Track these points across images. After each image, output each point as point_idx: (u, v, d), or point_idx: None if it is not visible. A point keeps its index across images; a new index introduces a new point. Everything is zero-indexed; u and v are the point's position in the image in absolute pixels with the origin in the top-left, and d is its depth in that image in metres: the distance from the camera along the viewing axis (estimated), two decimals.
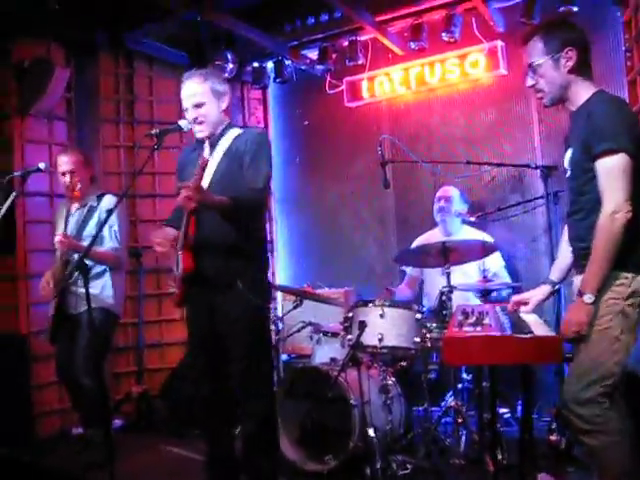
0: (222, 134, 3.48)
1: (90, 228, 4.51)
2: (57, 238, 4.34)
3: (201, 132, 3.46)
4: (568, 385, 2.71)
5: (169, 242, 3.33)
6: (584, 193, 2.77)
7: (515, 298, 3.16)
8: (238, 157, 3.38)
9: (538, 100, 3.03)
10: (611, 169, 2.61)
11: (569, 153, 2.89)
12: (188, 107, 3.42)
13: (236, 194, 3.24)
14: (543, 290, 3.10)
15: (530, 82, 2.91)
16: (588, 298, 2.63)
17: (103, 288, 4.59)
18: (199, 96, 3.40)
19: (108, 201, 4.59)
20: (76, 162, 4.65)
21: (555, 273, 3.11)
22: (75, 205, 4.70)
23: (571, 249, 2.92)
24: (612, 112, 2.69)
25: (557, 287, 3.10)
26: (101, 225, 3.95)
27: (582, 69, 2.82)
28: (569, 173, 2.90)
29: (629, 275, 2.66)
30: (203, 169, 3.23)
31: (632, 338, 2.69)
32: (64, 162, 4.65)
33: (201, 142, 3.52)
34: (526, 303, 3.09)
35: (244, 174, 3.34)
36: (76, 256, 4.35)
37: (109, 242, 4.56)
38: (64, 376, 4.59)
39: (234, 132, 3.49)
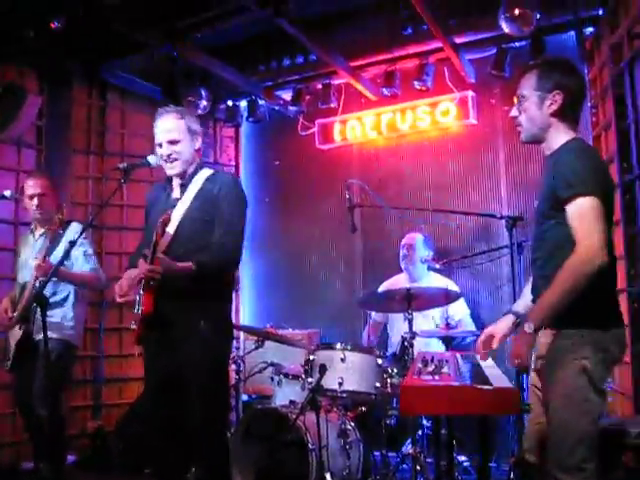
0: (194, 174, 3.42)
1: (56, 255, 4.44)
2: (35, 262, 4.23)
3: (172, 169, 3.39)
4: (550, 452, 2.62)
5: (132, 291, 3.28)
6: (544, 240, 2.73)
7: (481, 339, 2.97)
8: (209, 200, 3.33)
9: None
10: (585, 211, 2.52)
11: (538, 202, 2.86)
12: (162, 142, 3.37)
13: (203, 257, 3.20)
14: (507, 321, 2.96)
15: (514, 113, 2.86)
16: (528, 327, 2.55)
17: (64, 318, 4.47)
18: (175, 133, 3.35)
19: (74, 229, 4.54)
20: (45, 186, 4.58)
21: (519, 306, 3.02)
22: (39, 231, 4.63)
23: (533, 297, 2.85)
24: (580, 159, 2.63)
25: (520, 319, 2.92)
26: (68, 250, 3.85)
27: (566, 115, 2.76)
28: (536, 220, 2.85)
29: (585, 332, 2.60)
30: (164, 227, 3.18)
31: (600, 397, 2.61)
32: (32, 185, 4.56)
33: (170, 181, 3.48)
34: (491, 341, 3.00)
35: (217, 225, 3.29)
36: (37, 284, 4.28)
37: (85, 265, 4.48)
38: (22, 405, 4.47)
39: (205, 173, 3.44)
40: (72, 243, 3.47)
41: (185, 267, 3.13)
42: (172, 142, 3.35)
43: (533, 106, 2.78)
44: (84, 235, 4.23)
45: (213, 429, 3.33)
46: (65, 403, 5.27)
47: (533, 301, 2.85)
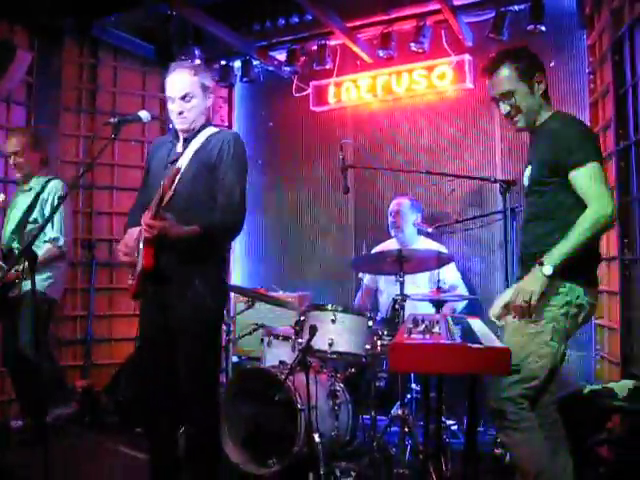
0: (199, 130, 3.37)
1: (35, 215, 4.43)
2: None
3: (182, 124, 3.33)
4: (495, 382, 2.80)
5: (134, 249, 3.26)
6: (540, 205, 2.87)
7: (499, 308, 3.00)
8: (210, 157, 3.27)
9: (507, 123, 3.10)
10: (594, 175, 2.70)
11: (528, 170, 2.98)
12: (175, 97, 3.29)
13: (207, 220, 3.16)
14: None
15: (506, 109, 2.98)
16: (547, 270, 2.66)
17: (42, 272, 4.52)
18: (188, 88, 3.27)
19: (54, 187, 4.50)
20: (22, 143, 4.59)
21: None
22: (24, 187, 4.62)
23: (520, 254, 2.99)
24: (577, 128, 2.84)
25: None
26: (50, 214, 3.84)
27: (546, 93, 2.97)
28: (526, 189, 2.98)
29: (567, 284, 2.75)
30: (173, 180, 3.05)
31: (562, 347, 2.80)
32: (10, 143, 4.62)
33: (176, 135, 3.42)
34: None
35: (219, 186, 3.24)
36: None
37: (50, 232, 4.50)
38: (8, 358, 4.52)
39: (210, 130, 3.39)
40: (61, 198, 3.45)
41: (192, 230, 3.09)
42: (184, 97, 3.28)
43: (526, 95, 2.92)
44: (60, 195, 4.22)
45: (203, 389, 3.32)
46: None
47: (522, 257, 2.98)
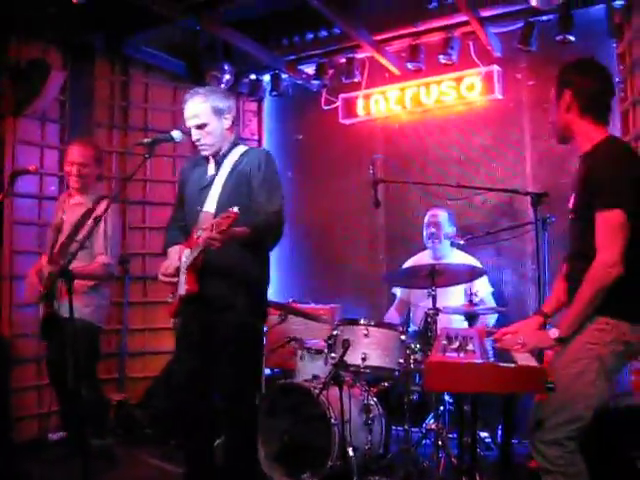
0: (228, 151, 3.47)
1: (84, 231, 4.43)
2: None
3: (204, 151, 3.46)
4: (538, 418, 2.71)
5: (175, 272, 3.32)
6: (581, 240, 2.78)
7: (507, 335, 2.97)
8: (244, 176, 3.37)
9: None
10: (609, 223, 2.61)
11: (572, 198, 2.89)
12: (191, 127, 3.42)
13: (253, 221, 3.23)
14: (534, 321, 3.03)
15: (551, 118, 2.97)
16: (553, 333, 2.66)
17: (86, 297, 4.41)
18: (201, 117, 3.39)
19: (104, 207, 4.53)
20: (87, 156, 4.58)
21: (547, 306, 3.08)
22: (72, 201, 4.63)
23: (567, 288, 2.90)
24: (614, 165, 2.69)
25: (548, 320, 3.03)
26: (91, 229, 3.85)
27: (583, 112, 2.81)
28: (571, 216, 2.89)
29: (611, 321, 2.64)
30: (229, 224, 3.03)
31: (607, 385, 2.68)
32: (76, 152, 4.56)
33: (205, 158, 3.53)
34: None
35: (255, 198, 3.33)
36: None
37: (103, 257, 4.43)
38: (54, 377, 4.51)
39: (239, 150, 3.49)
40: (97, 220, 3.48)
41: (242, 231, 3.14)
42: (199, 127, 3.40)
43: (554, 108, 2.89)
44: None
45: (243, 403, 3.38)
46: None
47: (567, 290, 2.89)
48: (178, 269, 3.34)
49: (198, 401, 3.44)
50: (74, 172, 4.54)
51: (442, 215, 5.25)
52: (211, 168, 3.48)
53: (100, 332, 4.65)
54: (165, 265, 3.38)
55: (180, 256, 3.33)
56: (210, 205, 3.36)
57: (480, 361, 2.39)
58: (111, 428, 5.33)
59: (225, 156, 3.46)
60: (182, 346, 3.54)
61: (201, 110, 3.39)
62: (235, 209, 2.98)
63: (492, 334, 3.08)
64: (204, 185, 3.44)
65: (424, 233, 5.31)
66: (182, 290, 3.28)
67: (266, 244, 3.43)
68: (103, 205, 4.37)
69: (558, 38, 4.91)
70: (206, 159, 3.52)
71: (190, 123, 3.41)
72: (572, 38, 4.88)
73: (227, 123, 3.47)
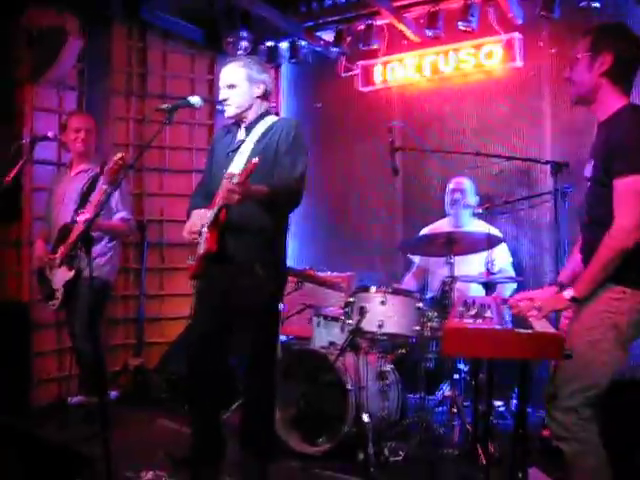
0: (258, 120, 3.52)
1: (95, 195, 4.49)
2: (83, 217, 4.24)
3: (226, 112, 3.53)
4: (554, 387, 2.71)
5: (198, 231, 3.37)
6: (601, 206, 2.71)
7: (521, 302, 2.96)
8: (272, 143, 3.41)
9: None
10: (629, 189, 2.57)
11: (590, 165, 2.83)
12: (222, 86, 3.50)
13: (274, 183, 3.26)
14: (549, 290, 3.02)
15: (567, 73, 2.88)
16: (567, 293, 2.66)
17: (101, 256, 4.65)
18: (232, 78, 3.47)
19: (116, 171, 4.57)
20: (91, 123, 4.81)
21: (563, 277, 3.06)
22: (76, 169, 4.73)
23: (582, 257, 2.87)
24: (636, 132, 2.63)
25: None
26: (109, 195, 3.94)
27: (617, 78, 2.74)
28: (589, 184, 2.84)
29: (628, 290, 2.63)
30: (247, 175, 3.06)
31: (623, 354, 2.67)
32: (82, 120, 4.78)
33: (237, 125, 3.58)
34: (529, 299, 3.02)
35: (280, 162, 3.37)
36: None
37: (118, 212, 4.61)
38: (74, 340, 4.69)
39: (270, 119, 3.54)
40: (113, 183, 3.54)
41: (260, 189, 3.17)
42: (229, 86, 3.48)
43: (583, 67, 2.77)
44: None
45: (261, 368, 3.42)
46: (104, 340, 5.40)
47: (582, 261, 2.87)
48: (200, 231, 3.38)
49: (211, 364, 3.47)
50: (81, 137, 4.70)
51: (467, 183, 5.25)
52: (241, 134, 3.54)
53: (110, 286, 4.89)
54: (189, 224, 3.43)
55: (203, 217, 3.37)
56: (235, 169, 3.37)
57: (498, 327, 2.39)
58: (128, 393, 5.45)
59: (256, 123, 3.51)
60: (200, 309, 3.58)
61: (235, 72, 3.47)
62: (255, 159, 3.03)
63: (506, 302, 3.09)
64: (232, 150, 3.50)
65: (446, 199, 5.30)
66: (201, 249, 3.31)
67: (283, 208, 3.44)
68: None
69: (582, 4, 4.83)
70: (237, 125, 3.57)
71: (222, 83, 3.50)
72: (597, 4, 4.79)
73: (257, 92, 3.51)
